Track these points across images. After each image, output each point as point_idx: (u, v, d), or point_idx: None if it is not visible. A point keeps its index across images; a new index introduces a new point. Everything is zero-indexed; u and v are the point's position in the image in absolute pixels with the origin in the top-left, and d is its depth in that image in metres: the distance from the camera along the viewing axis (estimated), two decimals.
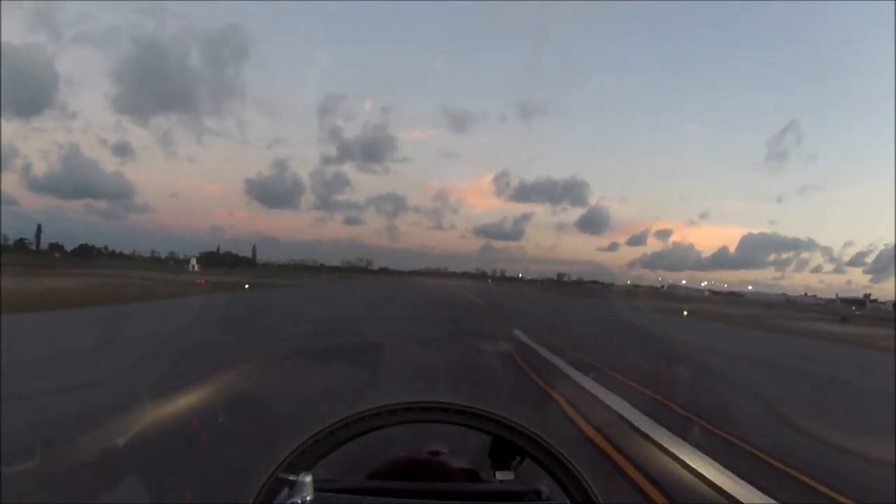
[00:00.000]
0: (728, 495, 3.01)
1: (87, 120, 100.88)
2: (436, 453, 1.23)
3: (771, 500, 2.97)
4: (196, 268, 58.52)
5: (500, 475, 0.97)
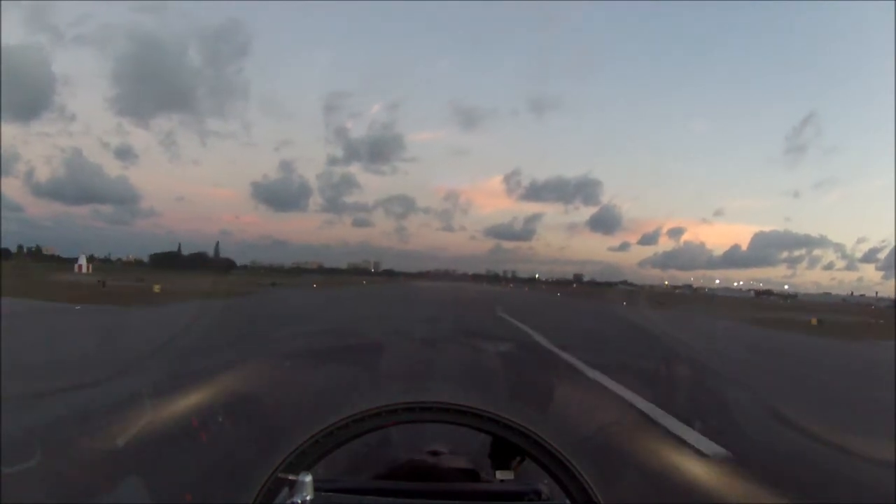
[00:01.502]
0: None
1: (86, 122, 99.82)
2: (436, 453, 1.23)
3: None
4: (84, 269, 40.24)
5: (500, 475, 0.97)
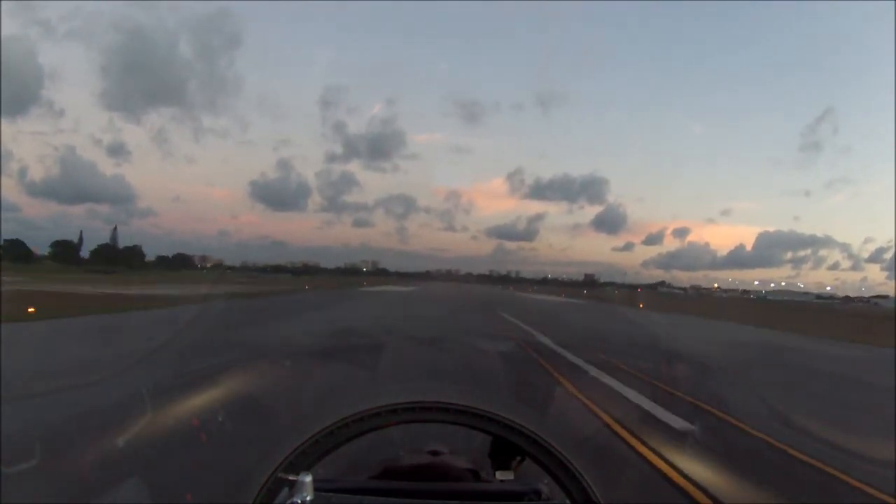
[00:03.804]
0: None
1: (76, 118, 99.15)
2: (436, 453, 1.23)
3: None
4: None
5: (500, 475, 0.97)
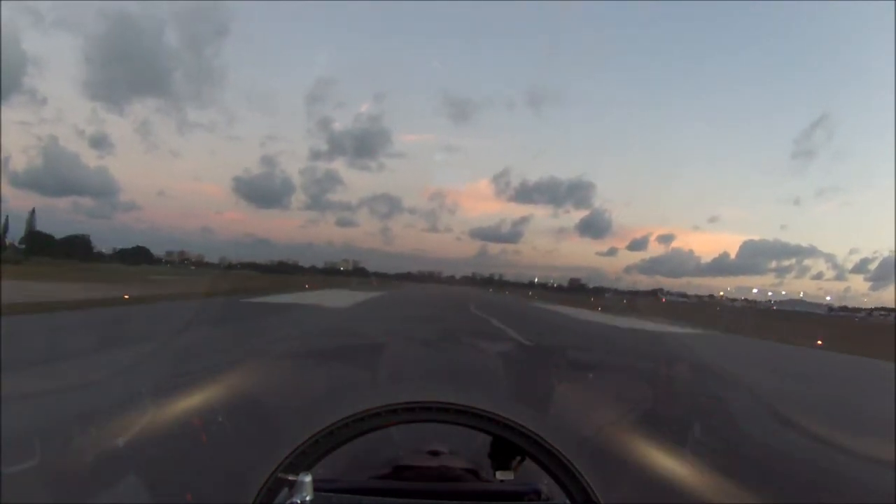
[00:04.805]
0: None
1: (58, 107, 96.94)
2: (436, 453, 1.23)
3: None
4: None
5: (500, 475, 0.97)
